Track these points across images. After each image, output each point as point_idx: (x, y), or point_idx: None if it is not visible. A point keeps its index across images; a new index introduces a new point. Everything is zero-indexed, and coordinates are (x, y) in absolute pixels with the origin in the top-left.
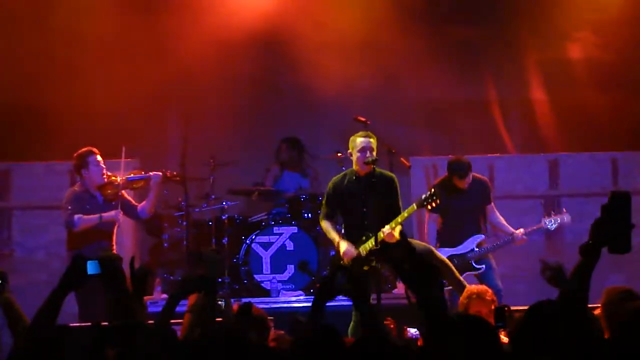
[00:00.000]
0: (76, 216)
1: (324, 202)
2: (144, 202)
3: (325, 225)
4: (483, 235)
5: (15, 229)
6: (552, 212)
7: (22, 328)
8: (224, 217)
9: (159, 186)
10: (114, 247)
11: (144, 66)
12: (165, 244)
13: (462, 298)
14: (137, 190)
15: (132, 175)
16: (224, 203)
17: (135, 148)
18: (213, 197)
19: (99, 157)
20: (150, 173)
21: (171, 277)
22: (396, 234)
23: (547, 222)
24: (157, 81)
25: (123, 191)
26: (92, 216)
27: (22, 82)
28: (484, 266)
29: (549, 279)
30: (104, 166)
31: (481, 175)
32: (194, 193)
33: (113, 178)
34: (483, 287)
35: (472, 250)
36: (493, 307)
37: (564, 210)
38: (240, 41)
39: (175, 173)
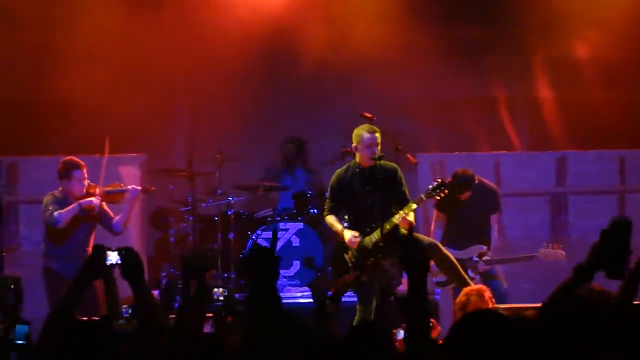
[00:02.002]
0: (56, 213)
1: (328, 196)
2: (119, 215)
3: (330, 219)
4: (484, 247)
5: (23, 223)
6: (552, 245)
7: None
8: (230, 213)
9: (135, 201)
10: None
11: (151, 61)
12: (171, 239)
13: (460, 296)
14: (115, 203)
15: (110, 188)
16: (230, 198)
17: (143, 143)
18: (219, 192)
19: (84, 173)
20: (129, 187)
21: (177, 272)
22: (411, 218)
23: (542, 254)
24: (164, 76)
25: (103, 202)
26: (70, 207)
27: (30, 76)
28: (478, 277)
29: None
30: (86, 181)
31: (491, 184)
32: (201, 188)
33: (92, 190)
34: (482, 286)
35: (471, 259)
36: (491, 306)
37: (561, 247)
38: (247, 37)
39: (152, 188)
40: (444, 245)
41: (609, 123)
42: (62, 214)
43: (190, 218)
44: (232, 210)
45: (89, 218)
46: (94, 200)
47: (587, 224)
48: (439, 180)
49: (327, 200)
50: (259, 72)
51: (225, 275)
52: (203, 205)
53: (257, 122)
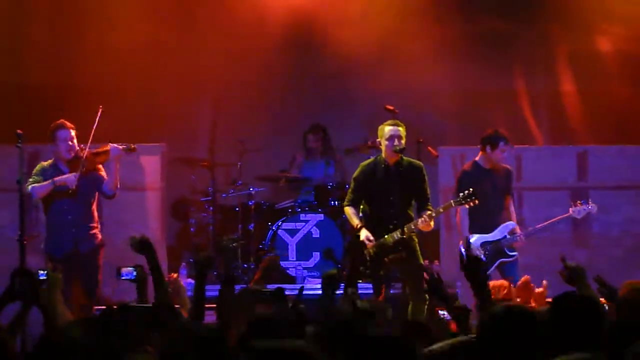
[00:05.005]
0: (30, 186)
1: (350, 187)
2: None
3: (350, 210)
4: (514, 223)
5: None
6: (579, 202)
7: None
8: (250, 203)
9: (117, 160)
10: (96, 227)
11: (174, 51)
12: (192, 229)
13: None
14: (104, 163)
15: (97, 151)
16: (251, 189)
17: (163, 133)
18: (240, 182)
19: (71, 132)
20: (109, 145)
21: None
22: (432, 223)
23: (574, 211)
24: (186, 66)
25: (100, 165)
26: (44, 183)
27: (52, 65)
28: (516, 253)
29: (567, 279)
30: (73, 142)
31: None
32: (222, 178)
33: (80, 153)
34: (500, 282)
35: (505, 237)
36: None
37: (590, 201)
38: (270, 28)
39: (134, 146)
40: (472, 233)
41: (631, 118)
42: (35, 187)
43: (211, 208)
44: (253, 201)
45: (85, 181)
46: (70, 176)
47: (607, 219)
48: (471, 190)
49: (349, 191)
50: (282, 63)
51: (245, 265)
52: (224, 195)
53: (279, 113)
